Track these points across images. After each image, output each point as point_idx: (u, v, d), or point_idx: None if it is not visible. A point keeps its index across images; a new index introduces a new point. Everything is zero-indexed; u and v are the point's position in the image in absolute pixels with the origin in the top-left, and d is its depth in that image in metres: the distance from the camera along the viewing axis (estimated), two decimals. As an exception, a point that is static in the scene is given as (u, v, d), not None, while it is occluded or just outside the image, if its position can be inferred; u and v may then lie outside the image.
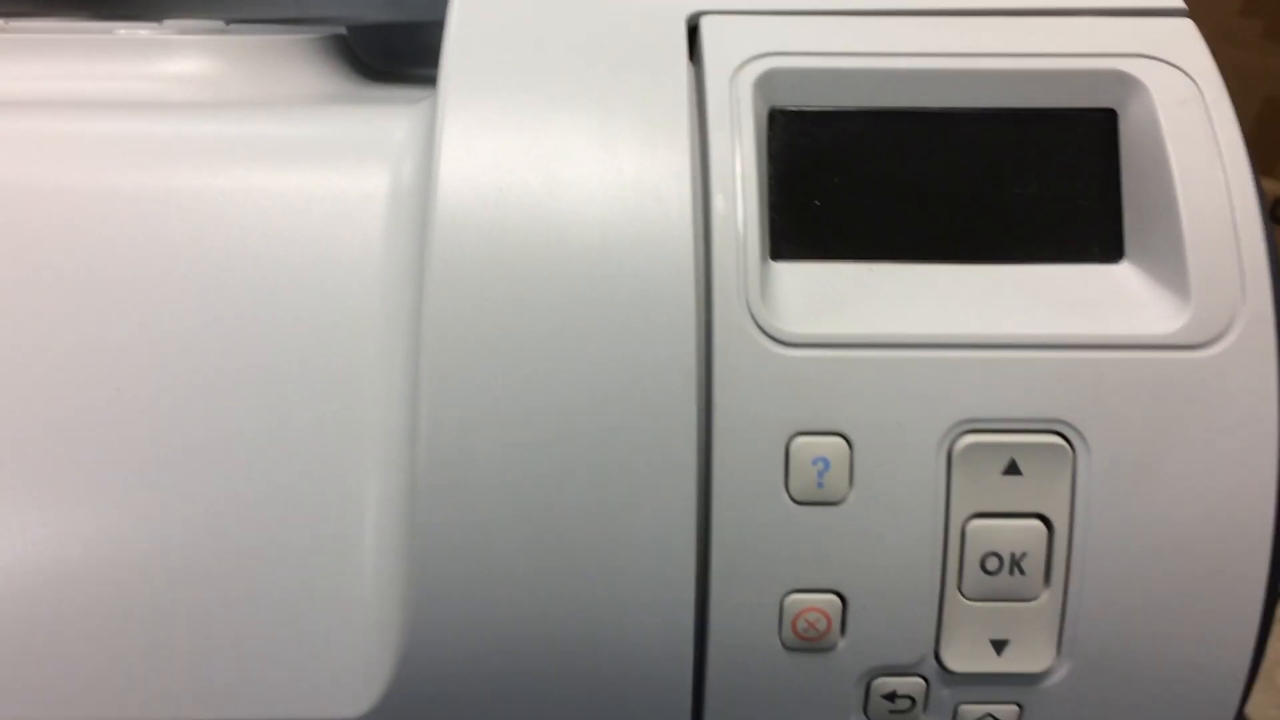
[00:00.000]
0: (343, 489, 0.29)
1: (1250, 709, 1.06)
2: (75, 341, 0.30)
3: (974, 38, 0.30)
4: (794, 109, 0.30)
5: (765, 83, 0.30)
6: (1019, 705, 0.30)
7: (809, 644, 0.29)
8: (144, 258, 0.30)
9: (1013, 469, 0.28)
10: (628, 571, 0.28)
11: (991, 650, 0.29)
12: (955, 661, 0.29)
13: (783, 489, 0.28)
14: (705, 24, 0.31)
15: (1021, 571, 0.28)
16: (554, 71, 0.30)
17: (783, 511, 0.28)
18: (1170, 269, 0.29)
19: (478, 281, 0.28)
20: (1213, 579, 0.28)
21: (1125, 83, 0.30)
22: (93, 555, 0.29)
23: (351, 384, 0.30)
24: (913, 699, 0.29)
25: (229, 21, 0.39)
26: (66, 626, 0.29)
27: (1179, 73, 0.29)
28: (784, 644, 0.29)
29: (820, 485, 0.28)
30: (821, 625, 0.28)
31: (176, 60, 0.37)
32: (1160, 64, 0.30)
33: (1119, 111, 0.30)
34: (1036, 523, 0.28)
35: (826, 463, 0.28)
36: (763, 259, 0.29)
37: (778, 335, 0.28)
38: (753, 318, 0.28)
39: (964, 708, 0.30)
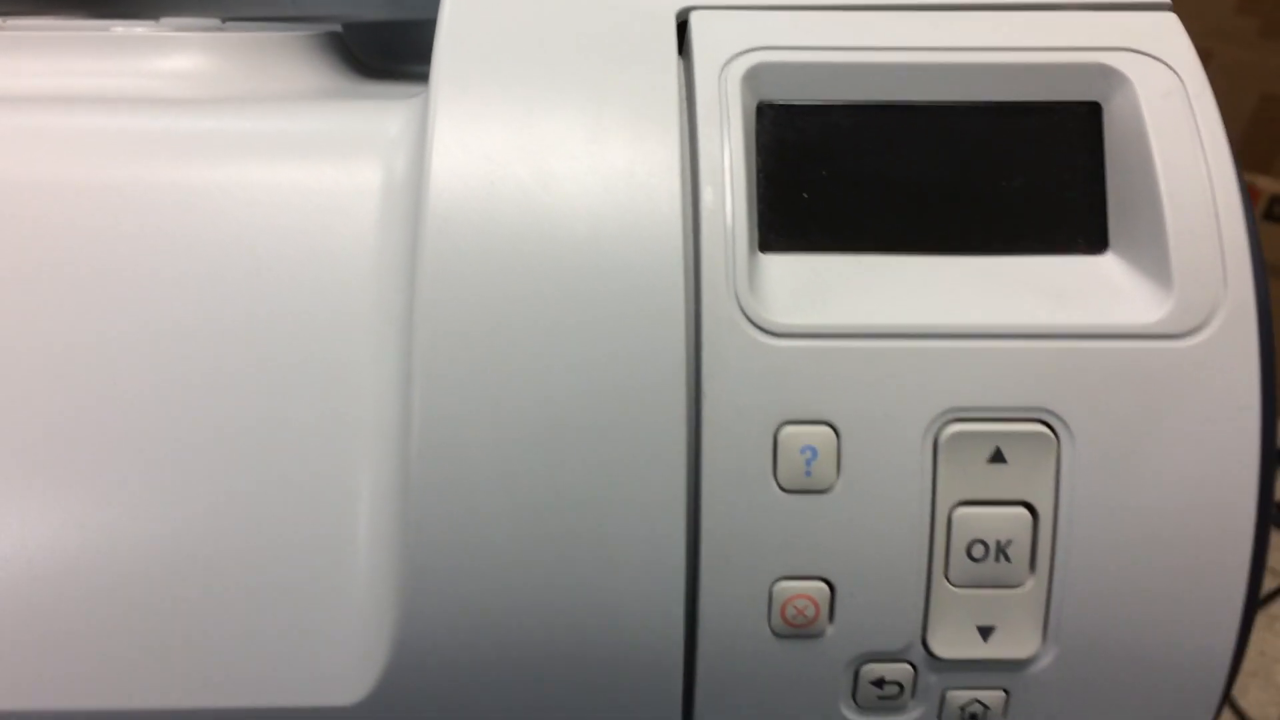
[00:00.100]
0: (336, 481, 0.30)
1: (1250, 707, 1.06)
2: (70, 334, 0.30)
3: (960, 32, 0.31)
4: (782, 103, 0.30)
5: (753, 77, 0.30)
6: (1005, 691, 0.30)
7: (798, 631, 0.29)
8: (138, 251, 0.30)
9: (998, 457, 0.28)
10: (619, 560, 0.29)
11: (978, 636, 0.29)
12: (942, 648, 0.29)
13: (771, 478, 0.28)
14: (694, 19, 0.31)
15: (1007, 559, 0.29)
16: (545, 66, 0.30)
17: (771, 500, 0.28)
18: (1153, 259, 0.29)
19: (469, 274, 0.28)
20: (1196, 565, 0.29)
21: (1109, 76, 0.30)
22: (89, 548, 0.29)
23: (344, 376, 0.30)
24: (901, 685, 0.30)
25: (225, 19, 0.39)
26: (65, 618, 0.29)
27: (1162, 66, 0.30)
28: (773, 631, 0.29)
29: (808, 474, 0.28)
30: (810, 612, 0.29)
31: (172, 57, 0.37)
32: (1144, 57, 0.30)
33: (1103, 104, 0.30)
34: (1022, 510, 0.28)
35: (814, 452, 0.28)
36: (751, 251, 0.29)
37: (766, 326, 0.28)
38: (741, 309, 0.28)
39: (951, 693, 0.30)
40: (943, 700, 0.30)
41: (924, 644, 0.29)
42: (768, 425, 0.28)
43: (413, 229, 0.30)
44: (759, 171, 0.30)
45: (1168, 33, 0.30)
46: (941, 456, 0.28)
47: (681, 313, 0.28)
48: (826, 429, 0.28)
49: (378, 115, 0.33)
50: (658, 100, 0.30)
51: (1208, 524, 0.28)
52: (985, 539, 0.28)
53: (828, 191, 0.30)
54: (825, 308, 0.29)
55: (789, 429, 0.28)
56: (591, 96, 0.30)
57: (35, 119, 0.32)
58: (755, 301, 0.28)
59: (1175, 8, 0.31)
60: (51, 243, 0.30)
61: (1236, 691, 1.07)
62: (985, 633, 0.29)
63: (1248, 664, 1.11)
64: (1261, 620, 1.16)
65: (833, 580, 0.29)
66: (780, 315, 0.28)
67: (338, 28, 0.42)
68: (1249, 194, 0.30)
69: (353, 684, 0.29)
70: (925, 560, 0.29)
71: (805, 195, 0.30)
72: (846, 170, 0.30)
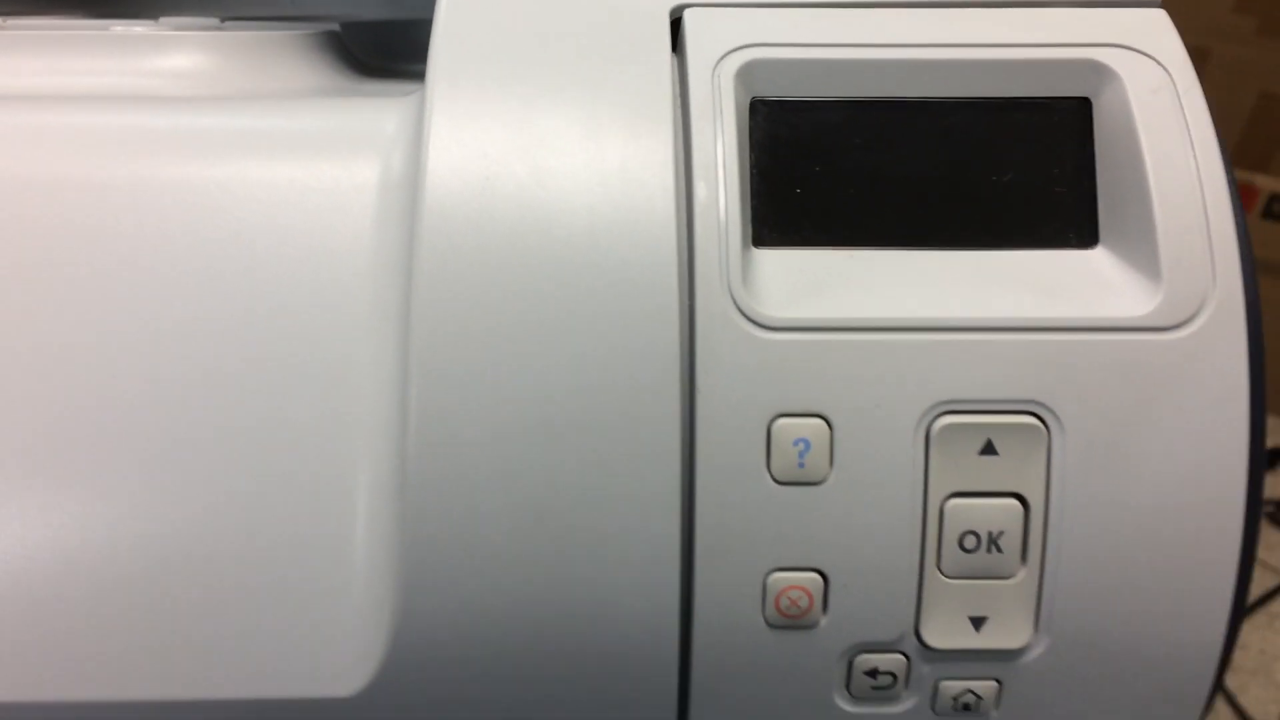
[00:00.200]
0: (334, 477, 0.30)
1: (1250, 706, 1.06)
2: (68, 331, 0.30)
3: (951, 29, 0.31)
4: (775, 99, 0.31)
5: (746, 73, 0.30)
6: (998, 681, 0.30)
7: (792, 621, 0.29)
8: (136, 248, 0.31)
9: (989, 449, 0.29)
10: (614, 553, 0.29)
11: (970, 627, 0.29)
12: (935, 638, 0.29)
13: (765, 470, 0.29)
14: (688, 16, 0.31)
15: (999, 549, 0.29)
16: (540, 64, 0.30)
17: (765, 492, 0.29)
18: (1143, 254, 0.29)
19: (465, 269, 0.29)
20: (1186, 556, 0.29)
21: (1099, 72, 0.30)
22: (91, 543, 0.29)
23: (342, 372, 0.30)
24: (894, 675, 0.30)
25: (224, 19, 0.40)
26: (70, 612, 0.29)
27: (1151, 62, 0.30)
28: (767, 622, 0.29)
29: (801, 466, 0.28)
30: (804, 603, 0.29)
31: (171, 56, 0.37)
32: (1133, 53, 0.30)
33: (1093, 100, 0.30)
34: (1013, 502, 0.29)
35: (807, 444, 0.28)
36: (744, 246, 0.29)
37: (759, 319, 0.28)
38: (734, 303, 0.28)
39: (944, 684, 0.30)
40: (935, 690, 0.30)
41: (917, 634, 0.30)
42: (761, 418, 0.28)
43: (410, 225, 0.30)
44: (752, 167, 0.30)
45: (1157, 29, 0.31)
46: (933, 448, 0.29)
47: (676, 307, 0.28)
48: (819, 421, 0.28)
49: (375, 113, 0.33)
50: (652, 97, 0.30)
51: (1197, 514, 0.29)
52: (977, 530, 0.29)
53: (820, 187, 0.30)
54: (818, 301, 0.29)
55: (782, 421, 0.28)
56: (586, 93, 0.30)
57: (35, 117, 0.33)
58: (749, 296, 0.29)
59: (1173, 6, 0.32)
60: (50, 240, 0.31)
61: (1237, 690, 1.07)
62: (977, 623, 0.29)
63: (1248, 662, 1.11)
64: (1261, 619, 1.16)
65: (826, 571, 0.29)
66: (773, 309, 0.29)
67: (336, 27, 0.42)
68: (1238, 189, 0.30)
69: (351, 676, 0.30)
70: (918, 551, 0.29)
71: (798, 190, 0.30)
72: (839, 166, 0.30)
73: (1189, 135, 0.29)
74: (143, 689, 0.29)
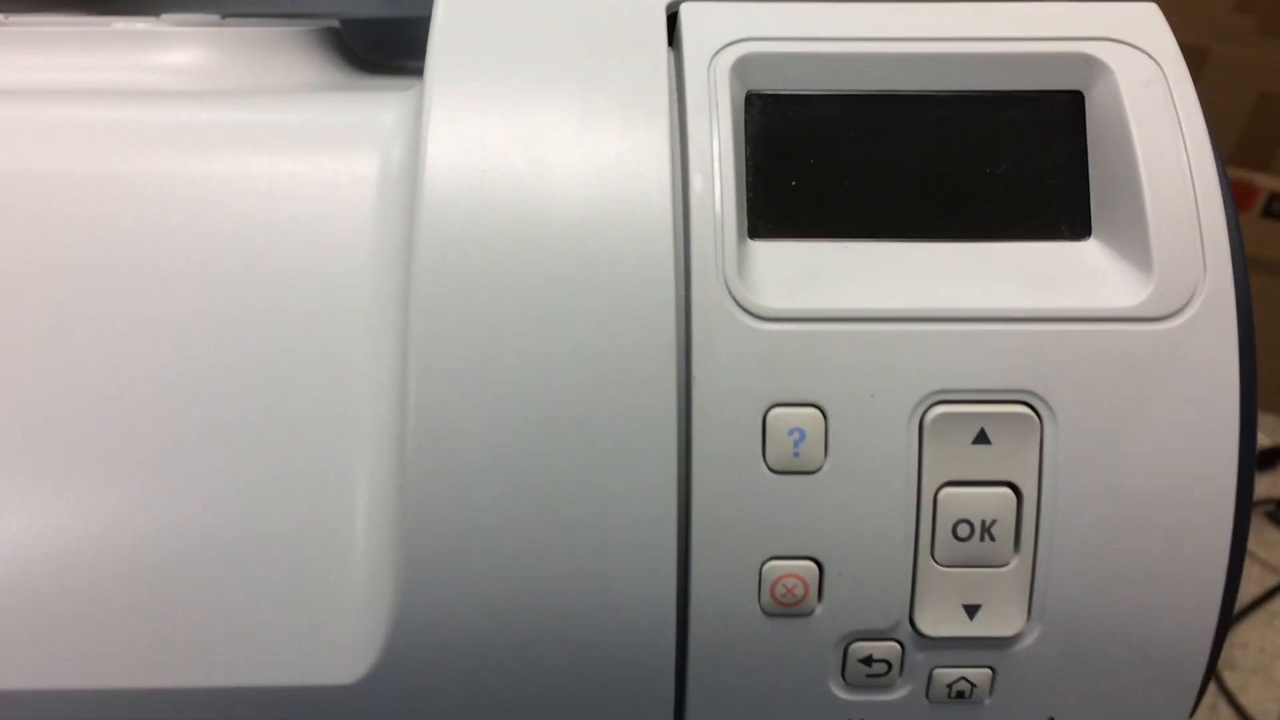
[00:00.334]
0: (335, 468, 0.30)
1: (1250, 704, 1.06)
2: (70, 324, 0.30)
3: (945, 23, 0.31)
4: (770, 93, 0.31)
5: (742, 67, 0.30)
6: (991, 669, 0.30)
7: (787, 609, 0.30)
8: (136, 242, 0.31)
9: (982, 438, 0.29)
10: (612, 543, 0.29)
11: (964, 615, 0.30)
12: (929, 626, 0.30)
13: (760, 459, 0.29)
14: (684, 11, 0.32)
15: (992, 538, 0.29)
16: (538, 57, 0.31)
17: (760, 481, 0.29)
18: (1135, 245, 0.29)
19: (464, 262, 0.29)
20: (1178, 544, 0.29)
21: (1091, 66, 0.31)
22: (96, 535, 0.30)
23: (343, 363, 0.30)
24: (889, 663, 0.30)
25: (225, 15, 0.40)
26: (75, 602, 0.30)
27: (1143, 55, 0.30)
28: (763, 610, 0.30)
29: (796, 455, 0.29)
30: (799, 591, 0.29)
31: (172, 51, 0.38)
32: (1125, 47, 0.31)
33: (1085, 94, 0.31)
34: (1006, 490, 0.29)
35: (802, 433, 0.29)
36: (740, 238, 0.30)
37: (755, 310, 0.29)
38: (730, 294, 0.29)
39: (938, 671, 0.30)
40: (930, 678, 0.31)
41: (911, 622, 0.30)
42: (757, 408, 0.29)
43: (409, 218, 0.30)
44: (748, 160, 0.30)
45: (1149, 23, 0.31)
46: (927, 438, 0.29)
47: (672, 298, 0.29)
48: (814, 411, 0.29)
49: (374, 106, 0.33)
50: (648, 90, 0.30)
51: (1188, 503, 0.29)
52: (970, 519, 0.29)
53: (815, 179, 0.31)
54: (813, 293, 0.29)
55: (777, 411, 0.29)
56: (583, 87, 0.30)
57: (36, 112, 0.33)
58: (744, 287, 0.29)
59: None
60: (49, 234, 0.31)
61: (1237, 688, 1.08)
62: (971, 611, 0.30)
63: (1248, 661, 1.11)
64: (1261, 617, 1.16)
65: (821, 560, 0.29)
66: (769, 300, 0.29)
67: (335, 24, 0.42)
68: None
69: (352, 664, 0.30)
70: (912, 540, 0.29)
71: (793, 183, 0.30)
72: (834, 158, 0.31)
73: (1180, 128, 0.30)
74: (146, 677, 0.30)
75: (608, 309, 0.29)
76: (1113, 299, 0.29)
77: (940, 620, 0.30)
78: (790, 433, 0.29)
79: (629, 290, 0.29)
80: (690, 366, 0.29)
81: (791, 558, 0.29)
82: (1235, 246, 0.29)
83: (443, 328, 0.29)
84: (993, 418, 0.29)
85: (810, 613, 0.30)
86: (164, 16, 0.39)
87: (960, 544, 0.29)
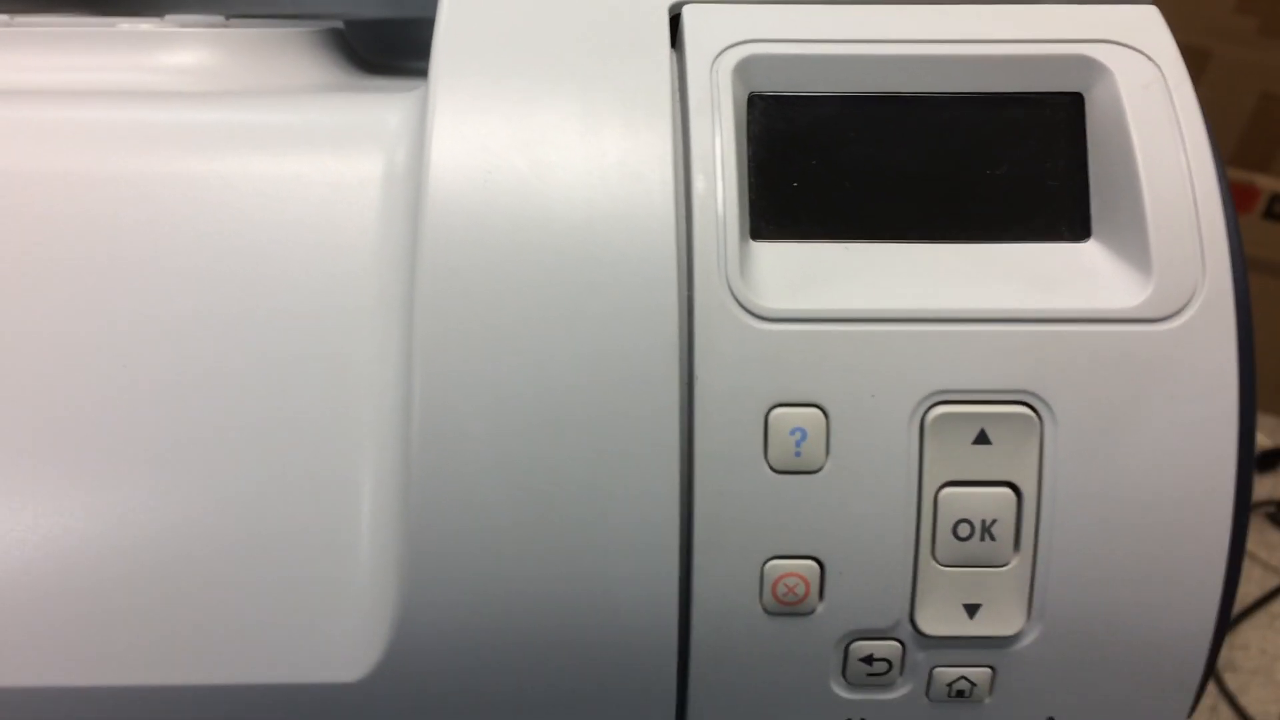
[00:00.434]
0: (340, 468, 0.30)
1: (1251, 705, 1.06)
2: (76, 324, 0.31)
3: (946, 25, 0.31)
4: (772, 94, 0.31)
5: (744, 69, 0.31)
6: (992, 668, 0.31)
7: (789, 608, 0.30)
8: (142, 242, 0.31)
9: (983, 439, 0.29)
10: (615, 542, 0.29)
11: (964, 614, 0.30)
12: (930, 625, 0.30)
13: (762, 459, 0.29)
14: (686, 12, 0.32)
15: (992, 538, 0.29)
16: (541, 59, 0.31)
17: (762, 480, 0.29)
18: (1134, 246, 0.30)
19: (467, 262, 0.29)
20: (1177, 544, 0.29)
21: (1091, 68, 0.31)
22: (104, 534, 0.30)
23: (347, 363, 0.31)
24: (889, 662, 0.30)
25: (229, 16, 0.40)
26: (82, 600, 0.30)
27: (1143, 57, 0.31)
28: (765, 609, 0.30)
29: (798, 455, 0.29)
30: (800, 590, 0.29)
31: (177, 52, 0.38)
32: (1125, 49, 0.31)
33: (1086, 95, 0.31)
34: (1006, 490, 0.29)
35: (804, 433, 0.29)
36: (742, 238, 0.30)
37: (757, 311, 0.29)
38: (733, 294, 0.29)
39: (939, 670, 0.31)
40: (930, 677, 0.31)
41: (912, 622, 0.30)
42: (759, 408, 0.29)
43: (413, 219, 0.30)
44: (750, 161, 0.31)
45: (1148, 25, 0.31)
46: (928, 438, 0.29)
47: (675, 298, 0.29)
48: (816, 411, 0.29)
49: (378, 107, 0.33)
50: (651, 92, 0.30)
51: (1188, 503, 0.29)
52: (971, 519, 0.29)
53: (817, 180, 0.31)
54: (815, 293, 0.29)
55: (779, 411, 0.29)
56: (586, 88, 0.30)
57: (42, 113, 0.33)
58: (746, 287, 0.29)
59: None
60: (55, 234, 0.31)
61: (1238, 690, 1.08)
62: (971, 610, 0.30)
63: (1249, 662, 1.11)
64: (1262, 619, 1.16)
65: (822, 559, 0.29)
66: (771, 300, 0.29)
67: (339, 24, 0.43)
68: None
69: (355, 662, 0.30)
70: (912, 539, 0.29)
71: (795, 184, 0.31)
72: (835, 160, 0.31)
73: (1180, 130, 0.30)
74: (150, 675, 0.30)
75: (610, 309, 0.29)
76: (1112, 300, 0.29)
77: (940, 619, 0.30)
78: (792, 433, 0.29)
79: (631, 291, 0.29)
80: (692, 366, 0.29)
81: (793, 557, 0.29)
82: (1234, 248, 0.29)
83: (446, 328, 0.29)
84: (993, 418, 0.29)
85: (811, 612, 0.30)
86: (168, 17, 0.39)
87: (960, 544, 0.29)
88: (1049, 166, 0.31)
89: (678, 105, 0.31)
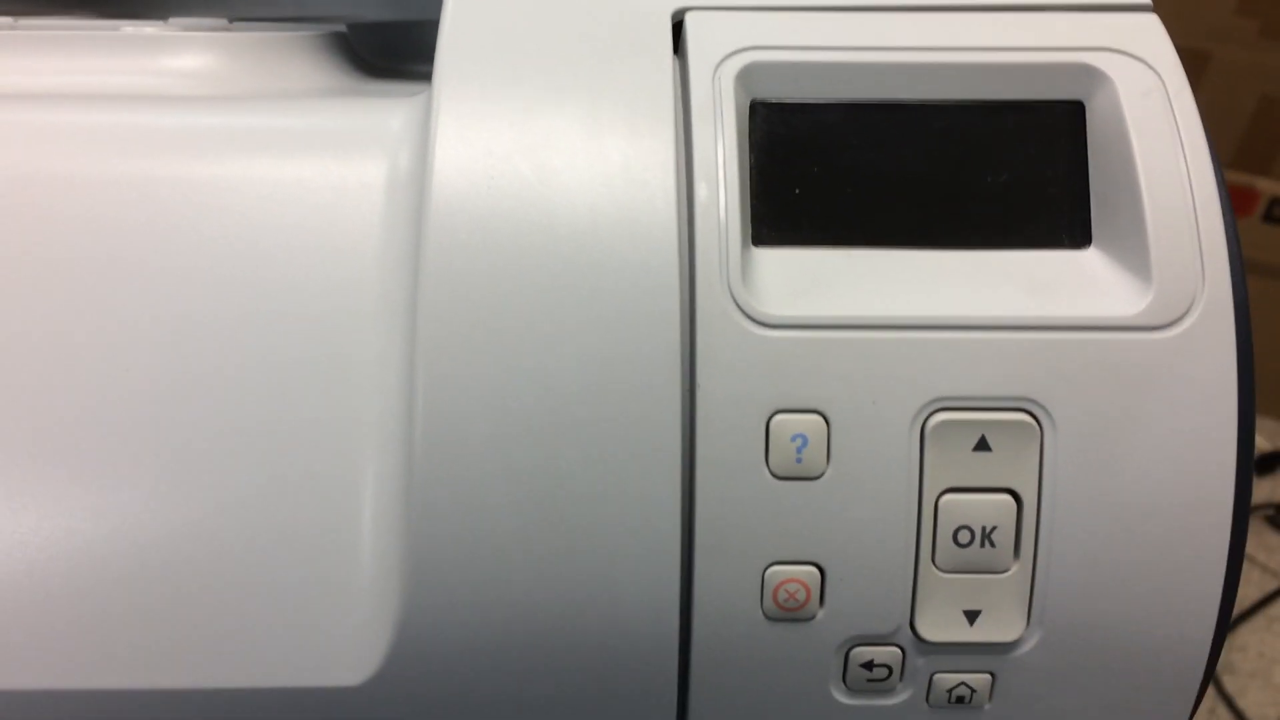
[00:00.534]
0: (342, 472, 0.30)
1: (1249, 708, 1.06)
2: (80, 327, 0.31)
3: (947, 32, 0.31)
4: (774, 101, 0.31)
5: (747, 76, 0.31)
6: (991, 674, 0.31)
7: (789, 614, 0.30)
8: (146, 246, 0.31)
9: (983, 445, 0.29)
10: (616, 547, 0.29)
11: (964, 620, 0.30)
12: (930, 631, 0.30)
13: (763, 465, 0.29)
14: (690, 19, 0.32)
15: (992, 544, 0.29)
16: (544, 65, 0.31)
17: (763, 486, 0.29)
18: (1134, 254, 0.30)
19: (471, 266, 0.29)
20: (1176, 552, 0.29)
21: (1092, 75, 0.31)
22: (107, 536, 0.30)
23: (350, 367, 0.31)
24: (889, 668, 0.31)
25: (233, 19, 0.40)
26: (85, 602, 0.30)
27: (1143, 65, 0.31)
28: (765, 614, 0.30)
29: (799, 461, 0.29)
30: (801, 596, 0.30)
31: (180, 56, 0.38)
32: (1125, 57, 0.31)
33: (1086, 103, 0.31)
34: (1006, 497, 0.29)
35: (805, 439, 0.29)
36: (744, 245, 0.30)
37: (758, 317, 0.29)
38: (734, 300, 0.29)
39: (939, 676, 0.31)
40: (930, 683, 0.31)
41: (912, 628, 0.30)
42: (760, 414, 0.29)
43: (416, 223, 0.30)
44: (752, 167, 0.31)
45: (1149, 33, 0.31)
46: (928, 444, 0.29)
47: (676, 304, 0.29)
48: (817, 417, 0.29)
49: (382, 112, 0.33)
50: (653, 98, 0.30)
51: (1187, 511, 0.29)
52: (971, 525, 0.29)
53: (819, 187, 0.31)
54: (816, 300, 0.29)
55: (780, 417, 0.29)
56: (590, 94, 0.31)
57: (45, 116, 0.33)
58: (748, 294, 0.29)
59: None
60: (57, 237, 0.31)
61: (1236, 693, 1.08)
62: (971, 617, 0.30)
63: (1247, 665, 1.11)
64: (1260, 621, 1.16)
65: (823, 565, 0.30)
66: (772, 307, 0.29)
67: (342, 28, 0.43)
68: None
69: (357, 666, 0.30)
70: (913, 546, 0.29)
71: (797, 191, 0.31)
72: (837, 166, 0.31)
73: (1180, 138, 0.30)
74: (151, 678, 0.30)
75: (613, 315, 0.29)
76: (1112, 308, 0.29)
77: (940, 625, 0.30)
78: (793, 439, 0.29)
79: (634, 296, 0.29)
80: (694, 372, 0.29)
81: (794, 563, 0.29)
82: (1234, 256, 0.30)
83: (449, 332, 0.29)
84: (993, 425, 0.29)
85: (812, 618, 0.30)
86: (171, 20, 0.39)
87: (961, 550, 0.29)
88: (1050, 174, 0.31)
89: (680, 111, 0.31)
